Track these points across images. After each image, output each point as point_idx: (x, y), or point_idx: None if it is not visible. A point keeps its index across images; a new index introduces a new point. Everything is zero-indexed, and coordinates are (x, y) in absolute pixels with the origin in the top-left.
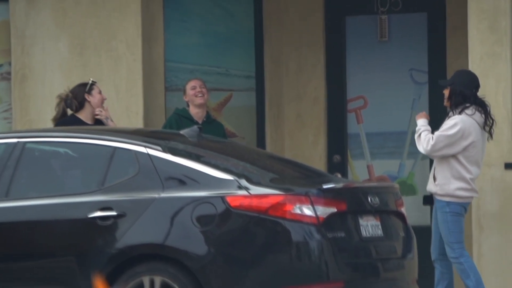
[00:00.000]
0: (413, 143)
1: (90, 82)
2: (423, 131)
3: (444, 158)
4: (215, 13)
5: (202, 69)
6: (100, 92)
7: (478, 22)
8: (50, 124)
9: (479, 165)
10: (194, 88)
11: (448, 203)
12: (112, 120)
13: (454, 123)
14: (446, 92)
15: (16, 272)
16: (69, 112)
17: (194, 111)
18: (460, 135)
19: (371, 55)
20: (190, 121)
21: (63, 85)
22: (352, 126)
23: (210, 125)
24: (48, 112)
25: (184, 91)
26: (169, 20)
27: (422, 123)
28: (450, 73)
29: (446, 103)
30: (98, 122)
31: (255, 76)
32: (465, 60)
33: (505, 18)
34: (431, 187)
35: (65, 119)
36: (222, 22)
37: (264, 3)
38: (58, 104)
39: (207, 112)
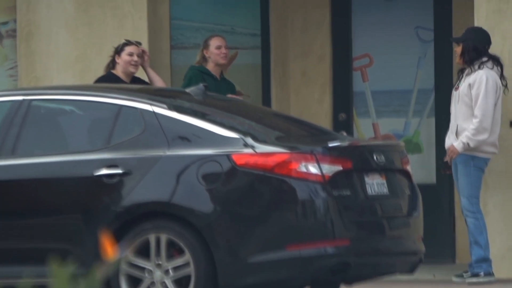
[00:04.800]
0: (418, 102)
1: (122, 42)
2: (468, 138)
3: (471, 112)
4: None
5: (207, 27)
6: (131, 54)
7: None
8: (56, 81)
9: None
10: (219, 47)
11: (473, 157)
12: (151, 69)
13: (485, 79)
14: (458, 50)
15: (23, 230)
16: None
17: (211, 67)
18: (495, 86)
19: (377, 13)
20: (210, 76)
21: (69, 42)
22: (358, 84)
23: (225, 82)
24: (53, 69)
25: (207, 46)
26: None
27: (460, 144)
28: (455, 31)
29: (458, 60)
30: (135, 79)
31: (261, 34)
32: (470, 17)
33: None
34: (454, 142)
35: (104, 75)
36: None
37: None
38: (108, 63)
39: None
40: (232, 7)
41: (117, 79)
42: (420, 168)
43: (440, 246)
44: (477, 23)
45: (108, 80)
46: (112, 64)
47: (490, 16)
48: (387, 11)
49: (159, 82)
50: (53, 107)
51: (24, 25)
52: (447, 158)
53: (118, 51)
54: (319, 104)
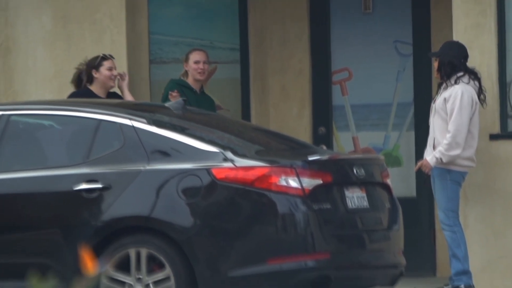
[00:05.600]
0: (397, 115)
1: (100, 57)
2: (441, 153)
3: (447, 126)
4: None
5: (186, 42)
6: (110, 69)
7: None
8: (34, 97)
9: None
10: (197, 62)
11: (450, 170)
12: (128, 90)
13: (460, 93)
14: (436, 64)
15: (3, 245)
16: None
17: (191, 81)
18: (471, 101)
19: (356, 27)
20: (189, 90)
21: (47, 57)
22: (337, 98)
23: (205, 96)
24: (32, 84)
25: (186, 59)
26: None
27: (433, 159)
28: (434, 45)
29: (436, 75)
30: (110, 94)
31: (240, 48)
32: (449, 31)
33: None
34: (429, 156)
35: (78, 91)
36: None
37: None
38: (74, 76)
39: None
40: (211, 21)
41: (92, 95)
42: (400, 182)
43: (421, 259)
44: (456, 37)
45: (83, 96)
46: (88, 78)
47: (469, 30)
48: (366, 25)
49: None
50: (32, 122)
51: (2, 40)
52: (416, 169)
53: (96, 65)
54: (299, 118)
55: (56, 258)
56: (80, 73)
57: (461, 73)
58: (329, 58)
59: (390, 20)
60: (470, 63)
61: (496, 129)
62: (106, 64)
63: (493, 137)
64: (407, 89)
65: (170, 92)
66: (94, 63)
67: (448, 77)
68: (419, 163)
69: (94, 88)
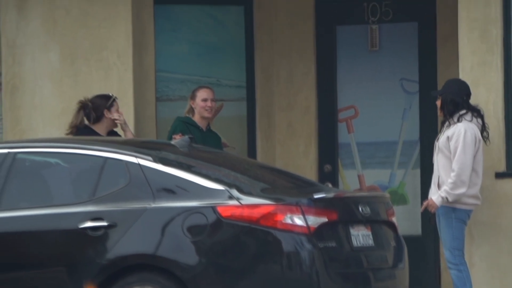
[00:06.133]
0: (403, 153)
1: (113, 98)
2: (446, 192)
3: (450, 165)
4: (205, 23)
5: (193, 79)
6: (118, 110)
7: (469, 31)
8: (41, 134)
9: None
10: (205, 100)
11: (454, 209)
12: (128, 126)
13: (463, 132)
14: (438, 103)
15: (7, 283)
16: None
17: (197, 118)
18: (474, 139)
19: (362, 64)
20: (195, 128)
21: (54, 95)
22: (343, 136)
23: (211, 133)
24: (39, 121)
25: (193, 97)
26: (159, 30)
27: (439, 199)
28: (440, 83)
29: (439, 113)
30: (110, 134)
31: (246, 85)
32: (455, 69)
33: (496, 26)
34: (434, 195)
35: (79, 131)
36: (212, 32)
37: (254, 12)
38: (77, 112)
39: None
40: (217, 59)
41: (94, 134)
42: (406, 220)
43: None
44: (462, 75)
45: (87, 135)
46: (97, 117)
47: (475, 68)
48: (373, 63)
49: None
50: (38, 160)
51: (9, 78)
52: (422, 209)
53: (108, 106)
54: (305, 155)
55: None
56: (84, 109)
57: (463, 111)
58: (336, 95)
59: (397, 58)
60: (476, 101)
61: (502, 167)
62: (116, 105)
63: (499, 175)
64: (413, 127)
65: (173, 136)
66: (107, 103)
67: (451, 115)
68: (425, 203)
69: (98, 127)
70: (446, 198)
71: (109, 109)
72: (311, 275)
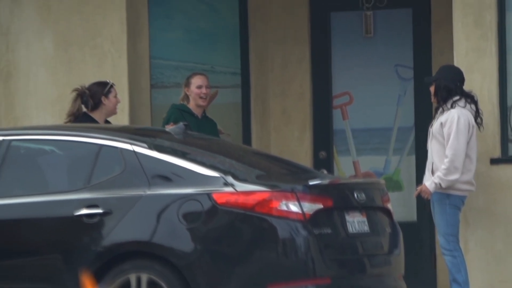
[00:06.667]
0: (398, 139)
1: (110, 84)
2: (439, 178)
3: (444, 150)
4: (199, 9)
5: (187, 66)
6: (115, 96)
7: (463, 17)
8: (35, 121)
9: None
10: (200, 87)
11: (449, 195)
12: None
13: (456, 117)
14: (432, 89)
15: (3, 270)
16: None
17: (193, 105)
18: (468, 125)
19: (357, 51)
20: (191, 115)
21: (48, 82)
22: (338, 122)
23: (207, 120)
24: (33, 108)
25: (187, 84)
26: (153, 16)
27: (432, 185)
28: (435, 69)
29: (433, 99)
30: (108, 122)
31: (241, 72)
32: (450, 55)
33: (490, 12)
34: (428, 181)
35: (78, 118)
36: (207, 18)
37: None
38: (74, 100)
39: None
40: (212, 45)
41: (93, 122)
42: (401, 206)
43: (421, 283)
44: (456, 60)
45: (86, 122)
46: (95, 104)
47: (470, 54)
48: (367, 49)
49: None
50: (33, 147)
51: (3, 65)
52: (415, 194)
53: (106, 92)
54: (299, 142)
55: (57, 284)
56: (82, 97)
57: (457, 97)
58: (330, 82)
59: (391, 44)
60: (471, 87)
61: (497, 153)
62: (113, 91)
63: (494, 161)
64: (408, 113)
65: (166, 126)
66: (104, 90)
67: (445, 101)
68: (418, 189)
69: (97, 114)
70: (440, 184)
71: (106, 95)
72: (307, 262)
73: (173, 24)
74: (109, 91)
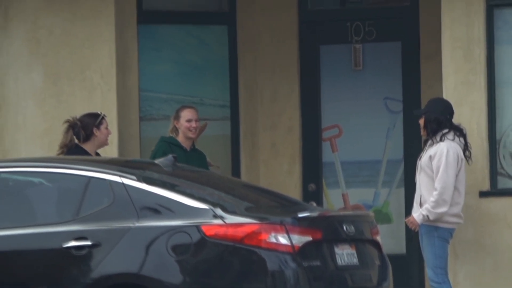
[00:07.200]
0: (387, 172)
1: (101, 115)
2: (427, 210)
3: (433, 184)
4: (189, 42)
5: (176, 99)
6: (107, 127)
7: (452, 50)
8: (24, 154)
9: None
10: (189, 121)
11: (437, 227)
12: None
13: (445, 151)
14: (422, 122)
15: None
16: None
17: (181, 138)
18: (457, 158)
19: (346, 83)
20: (179, 148)
21: (37, 114)
22: (327, 155)
23: (195, 153)
24: (22, 141)
25: (177, 117)
26: (143, 49)
27: (420, 216)
28: (424, 102)
29: (422, 132)
30: (98, 154)
31: (230, 105)
32: (439, 88)
33: (479, 46)
34: (416, 213)
35: (70, 150)
36: (196, 51)
37: (238, 32)
38: (66, 131)
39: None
40: (201, 78)
41: (84, 154)
42: (390, 238)
43: None
44: (445, 94)
45: (78, 154)
46: (87, 135)
47: (459, 87)
48: (356, 82)
49: None
50: (22, 179)
51: None
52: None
53: (97, 124)
54: (289, 175)
55: None
56: (73, 128)
57: (446, 130)
58: (319, 114)
59: (380, 77)
60: (460, 120)
61: (486, 186)
62: (105, 123)
63: (482, 194)
64: (397, 146)
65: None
66: (95, 121)
67: (434, 134)
68: (406, 220)
69: (88, 145)
70: (427, 216)
71: (98, 127)
72: None
73: (162, 57)
74: (100, 123)
